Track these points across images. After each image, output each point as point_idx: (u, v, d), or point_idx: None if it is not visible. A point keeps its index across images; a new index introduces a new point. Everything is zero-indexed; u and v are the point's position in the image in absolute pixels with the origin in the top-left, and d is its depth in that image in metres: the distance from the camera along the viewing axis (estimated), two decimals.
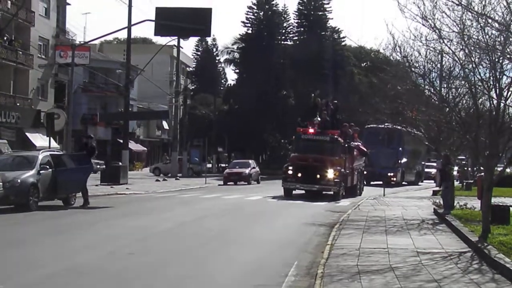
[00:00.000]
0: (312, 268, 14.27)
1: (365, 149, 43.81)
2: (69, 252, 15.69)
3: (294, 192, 37.78)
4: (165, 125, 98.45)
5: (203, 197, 36.32)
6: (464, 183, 44.87)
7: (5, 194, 23.94)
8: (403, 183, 59.27)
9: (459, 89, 23.20)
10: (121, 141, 57.17)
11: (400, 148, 56.97)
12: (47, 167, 26.58)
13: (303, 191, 38.09)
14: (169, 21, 42.58)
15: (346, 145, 38.98)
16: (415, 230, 20.82)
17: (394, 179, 55.81)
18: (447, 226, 21.76)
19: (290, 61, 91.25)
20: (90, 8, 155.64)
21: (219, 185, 52.93)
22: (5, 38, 53.49)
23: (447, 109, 22.64)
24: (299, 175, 36.70)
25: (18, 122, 57.83)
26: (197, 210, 27.80)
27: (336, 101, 43.60)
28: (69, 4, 74.07)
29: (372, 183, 53.29)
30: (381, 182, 52.92)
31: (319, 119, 39.48)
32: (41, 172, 26.00)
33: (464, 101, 23.83)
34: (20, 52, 59.17)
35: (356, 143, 42.16)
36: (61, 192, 27.34)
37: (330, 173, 36.07)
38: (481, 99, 20.40)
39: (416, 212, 27.78)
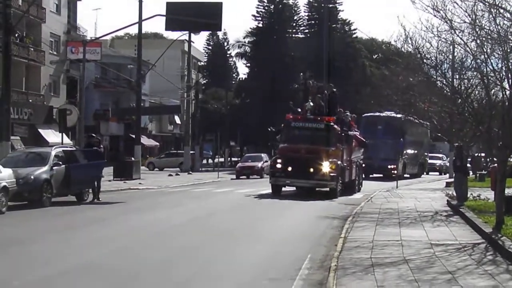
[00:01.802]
0: (326, 261, 14.26)
1: (362, 139, 39.01)
2: (81, 248, 15.73)
3: (284, 188, 33.43)
4: (177, 119, 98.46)
5: (215, 191, 36.33)
6: (478, 174, 44.69)
7: (19, 190, 24.00)
8: (405, 175, 55.41)
9: (471, 80, 23.14)
10: (134, 136, 57.25)
11: (401, 139, 52.08)
12: (60, 163, 26.65)
13: (293, 188, 33.99)
14: (180, 15, 42.59)
15: (343, 134, 34.16)
16: (428, 222, 20.78)
17: (395, 172, 51.50)
18: (460, 217, 21.70)
19: (301, 54, 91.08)
20: (101, 3, 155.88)
21: (231, 179, 52.94)
22: (16, 35, 53.61)
23: (460, 100, 22.57)
24: (290, 169, 31.77)
25: (30, 119, 57.99)
26: (209, 205, 27.84)
27: (333, 88, 37.91)
28: (79, 0, 74.24)
29: (371, 176, 50.97)
30: (381, 175, 52.13)
31: (311, 104, 34.70)
32: (54, 168, 26.06)
33: (476, 92, 23.77)
34: (32, 49, 59.33)
35: (354, 132, 37.34)
36: (74, 188, 27.41)
37: (326, 167, 31.31)
38: (493, 90, 20.34)
39: (430, 204, 27.71)
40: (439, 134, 33.84)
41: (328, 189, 31.86)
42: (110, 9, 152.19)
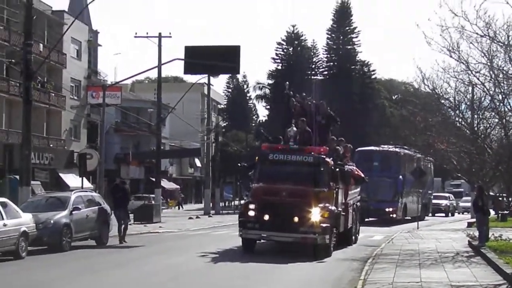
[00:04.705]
0: None
1: (361, 174, 31.17)
2: None
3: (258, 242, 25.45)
4: (198, 162, 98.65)
5: (235, 234, 36.17)
6: (500, 214, 44.30)
7: (39, 235, 24.04)
8: (406, 217, 48.35)
9: (490, 120, 23.11)
10: (154, 179, 57.38)
11: (400, 176, 46.67)
12: (79, 207, 26.75)
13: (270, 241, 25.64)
14: (198, 59, 42.86)
15: (338, 170, 26.03)
16: (449, 263, 20.63)
17: (394, 215, 46.28)
18: (482, 258, 21.53)
19: (320, 96, 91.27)
20: (121, 48, 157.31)
21: None
22: (37, 81, 54.19)
23: (479, 140, 22.55)
24: (266, 217, 23.54)
25: (51, 163, 58.36)
26: (229, 248, 27.70)
27: (327, 107, 29.80)
28: (100, 45, 75.12)
29: (366, 220, 43.29)
30: (377, 219, 45.92)
31: (294, 129, 26.54)
32: (73, 212, 26.15)
33: (495, 132, 23.74)
34: (53, 94, 59.93)
35: (350, 166, 29.29)
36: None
37: (316, 214, 23.31)
38: None
39: (451, 244, 27.50)
40: (459, 174, 33.69)
41: (319, 242, 23.34)
42: (130, 54, 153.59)
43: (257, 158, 26.46)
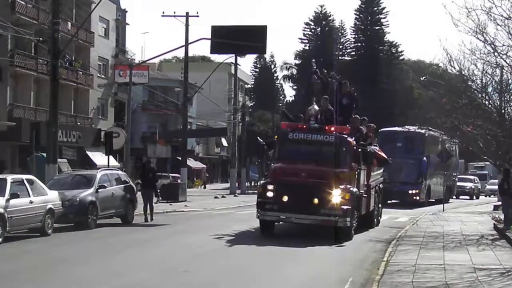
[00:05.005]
0: (367, 284, 14.23)
1: (385, 156, 29.66)
2: (124, 269, 15.88)
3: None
4: (224, 142, 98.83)
5: None
6: None
7: (65, 212, 24.26)
8: (430, 200, 48.05)
9: None
10: (180, 158, 57.57)
11: (424, 158, 45.80)
12: (105, 185, 26.95)
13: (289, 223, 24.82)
14: (224, 38, 42.78)
15: (361, 150, 25.01)
16: (473, 246, 20.58)
17: (417, 197, 45.35)
18: (506, 241, 21.46)
19: (348, 77, 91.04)
20: (149, 27, 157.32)
21: None
22: (65, 59, 54.44)
23: (506, 123, 22.36)
24: (285, 199, 22.88)
25: (79, 141, 58.65)
26: (254, 227, 27.75)
27: (352, 87, 28.60)
28: (128, 24, 75.24)
29: (388, 202, 41.51)
30: (400, 201, 44.88)
31: (316, 107, 25.70)
32: (99, 190, 26.34)
33: None
34: (80, 72, 60.17)
35: (373, 147, 27.72)
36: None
37: (336, 196, 22.57)
38: None
39: (476, 227, 27.40)
40: (485, 157, 33.45)
41: (341, 225, 22.59)
42: (158, 32, 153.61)
43: (276, 137, 25.90)
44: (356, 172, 24.48)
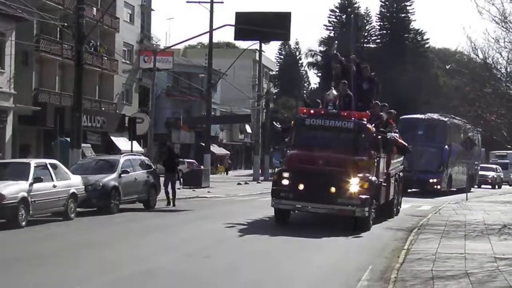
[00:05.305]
0: (386, 272, 14.22)
1: (405, 143, 28.65)
2: (147, 254, 16.00)
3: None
4: (248, 129, 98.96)
5: None
6: None
7: (88, 197, 24.46)
8: (452, 189, 46.67)
9: None
10: (204, 144, 57.72)
11: (446, 146, 44.48)
12: (128, 170, 27.11)
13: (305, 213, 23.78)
14: (248, 25, 42.87)
15: (380, 137, 24.14)
16: (495, 235, 20.47)
17: (438, 186, 44.07)
18: None
19: (373, 64, 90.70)
20: (174, 13, 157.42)
21: None
22: (90, 44, 54.67)
23: None
24: (301, 187, 21.91)
25: (103, 126, 58.99)
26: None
27: (373, 73, 27.24)
28: (153, 10, 75.43)
29: (408, 191, 40.56)
30: (420, 191, 43.89)
31: (334, 92, 24.32)
32: (122, 175, 26.50)
33: None
34: (105, 58, 60.44)
35: (393, 134, 26.25)
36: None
37: (354, 185, 21.52)
38: None
39: (499, 217, 27.26)
40: (509, 146, 33.23)
41: (359, 214, 21.61)
42: (183, 18, 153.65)
43: (292, 122, 24.88)
44: (376, 160, 23.51)
